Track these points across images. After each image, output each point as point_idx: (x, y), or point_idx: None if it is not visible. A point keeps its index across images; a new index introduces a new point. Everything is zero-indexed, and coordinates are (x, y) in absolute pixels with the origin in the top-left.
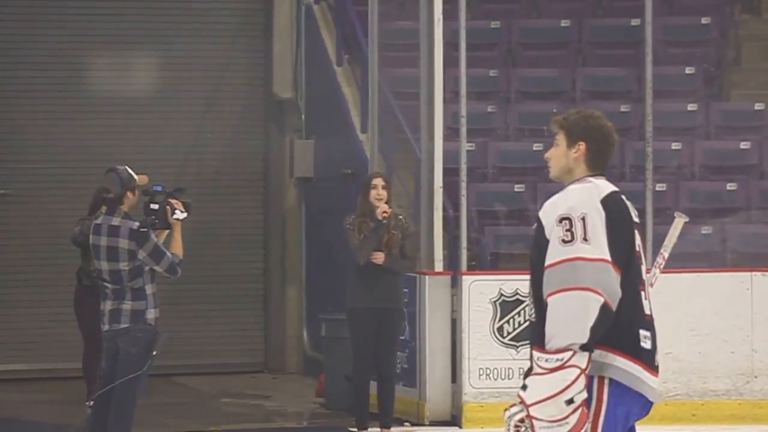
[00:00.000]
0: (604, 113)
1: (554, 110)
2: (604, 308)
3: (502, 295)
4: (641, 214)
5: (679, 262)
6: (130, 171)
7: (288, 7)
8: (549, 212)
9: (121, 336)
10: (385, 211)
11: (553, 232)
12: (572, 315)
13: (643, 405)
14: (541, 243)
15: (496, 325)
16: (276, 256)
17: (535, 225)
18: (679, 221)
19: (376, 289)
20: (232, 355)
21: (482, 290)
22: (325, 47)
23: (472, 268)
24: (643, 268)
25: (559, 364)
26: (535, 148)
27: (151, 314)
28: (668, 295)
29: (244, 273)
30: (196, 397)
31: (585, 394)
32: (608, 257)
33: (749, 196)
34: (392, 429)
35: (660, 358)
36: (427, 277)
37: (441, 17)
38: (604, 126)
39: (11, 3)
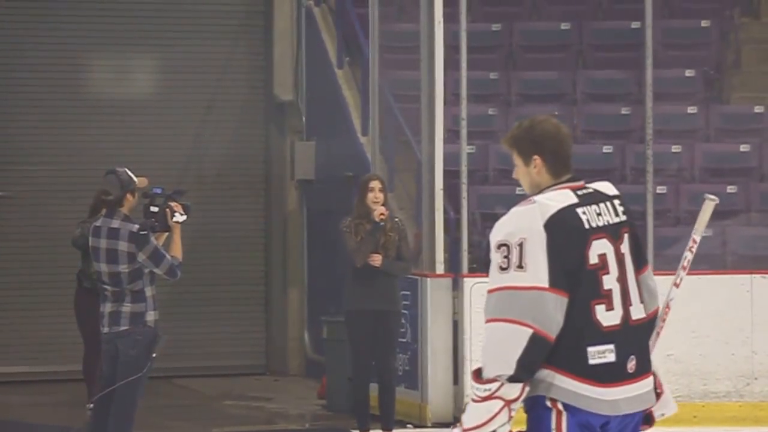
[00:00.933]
0: (605, 116)
1: (555, 112)
2: (535, 338)
3: None
4: (642, 216)
5: (679, 265)
6: (129, 173)
7: (288, 9)
8: (492, 235)
9: (121, 338)
10: (382, 213)
11: (493, 258)
12: (499, 347)
13: (609, 418)
14: (488, 264)
15: None
16: (277, 258)
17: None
18: (710, 204)
19: (373, 291)
20: (233, 357)
21: (484, 292)
22: (326, 49)
23: (474, 271)
24: (608, 277)
25: (487, 394)
26: None
27: (150, 316)
28: None
29: (245, 275)
30: (198, 399)
31: (507, 428)
32: (545, 284)
33: (749, 198)
34: (394, 431)
35: (657, 360)
36: (428, 279)
37: (442, 20)
38: (549, 131)
39: (10, 5)
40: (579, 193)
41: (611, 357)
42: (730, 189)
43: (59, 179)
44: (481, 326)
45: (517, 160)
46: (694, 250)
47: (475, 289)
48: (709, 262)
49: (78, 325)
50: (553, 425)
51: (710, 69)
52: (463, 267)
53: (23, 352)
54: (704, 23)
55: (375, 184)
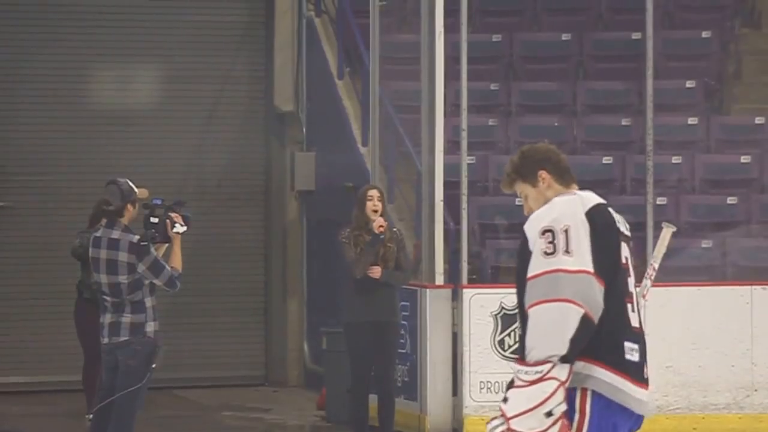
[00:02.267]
0: (605, 126)
1: (555, 123)
2: (585, 319)
3: (503, 308)
4: (642, 227)
5: (679, 276)
6: (130, 184)
7: (289, 20)
8: (533, 225)
9: (121, 349)
10: (381, 225)
11: (536, 244)
12: (552, 326)
13: (632, 418)
14: (525, 256)
15: (497, 339)
16: (277, 269)
17: (521, 238)
18: (668, 231)
19: (372, 302)
20: (232, 368)
21: (483, 303)
22: (327, 60)
23: (473, 282)
24: (631, 280)
25: (538, 376)
26: None
27: (150, 327)
28: (669, 308)
29: (244, 286)
30: (197, 410)
31: (564, 407)
32: (590, 269)
33: (749, 209)
34: None
35: (656, 371)
36: (428, 290)
37: (442, 31)
38: (542, 148)
39: (11, 15)
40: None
41: (636, 357)
42: (731, 200)
43: (59, 189)
44: (480, 338)
45: (525, 189)
46: (653, 278)
47: (475, 300)
48: (709, 273)
49: (78, 336)
50: (578, 406)
51: (711, 80)
52: (463, 278)
53: (23, 362)
54: (705, 34)
55: (373, 194)
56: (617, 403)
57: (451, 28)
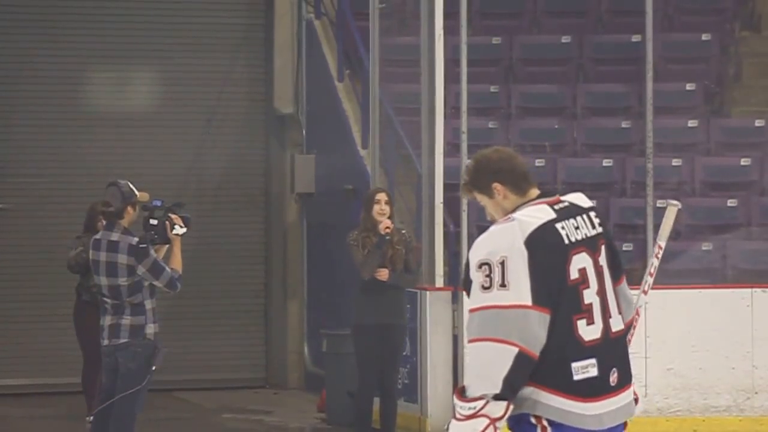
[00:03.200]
0: (605, 129)
1: (555, 126)
2: (520, 357)
3: None
4: (642, 230)
5: (679, 279)
6: (131, 186)
7: (289, 23)
8: (472, 254)
9: (121, 351)
10: (387, 226)
11: (474, 277)
12: (484, 366)
13: None
14: (467, 282)
15: None
16: (277, 271)
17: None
18: (672, 209)
19: (381, 304)
20: (233, 371)
21: None
22: (326, 62)
23: None
24: (589, 291)
25: (471, 412)
26: (536, 164)
27: (150, 329)
28: (669, 311)
29: (245, 288)
30: (197, 412)
31: None
32: (527, 302)
33: (750, 212)
34: None
35: (657, 374)
36: (428, 292)
37: (442, 33)
38: (492, 157)
39: (10, 17)
40: (556, 207)
41: (594, 371)
42: (731, 203)
43: (58, 192)
44: None
45: (482, 199)
46: (660, 256)
47: None
48: (709, 275)
49: (77, 338)
50: None
51: (711, 83)
52: None
53: (22, 364)
54: (705, 37)
55: (381, 197)
56: (571, 426)
57: (450, 30)
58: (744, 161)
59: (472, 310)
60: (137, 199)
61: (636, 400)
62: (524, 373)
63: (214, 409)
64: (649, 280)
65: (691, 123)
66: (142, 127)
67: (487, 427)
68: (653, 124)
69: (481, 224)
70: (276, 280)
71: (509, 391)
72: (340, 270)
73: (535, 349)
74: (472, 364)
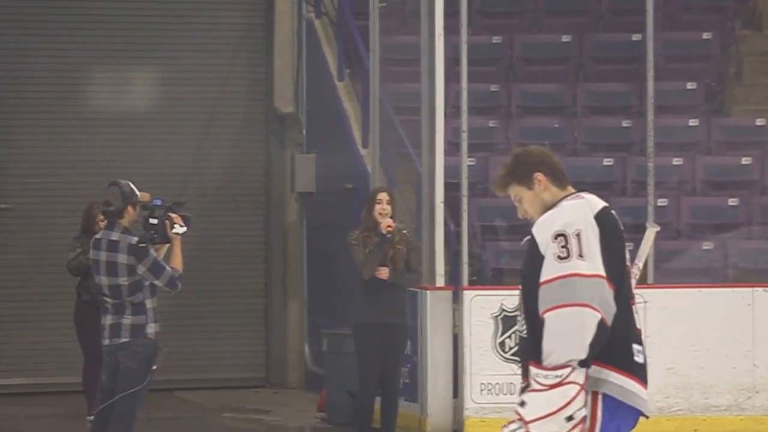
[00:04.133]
0: (606, 128)
1: (556, 125)
2: (601, 324)
3: (503, 310)
4: (643, 229)
5: (680, 278)
6: (132, 186)
7: (289, 22)
8: (544, 228)
9: (121, 350)
10: (389, 225)
11: (549, 248)
12: (570, 331)
13: (634, 418)
14: (534, 259)
15: (498, 340)
16: (277, 270)
17: (528, 240)
18: (651, 231)
19: (381, 304)
20: (233, 370)
21: (484, 305)
22: (327, 62)
23: (474, 283)
24: (633, 282)
25: (558, 380)
26: None
27: (151, 329)
28: (670, 310)
29: (245, 287)
30: (197, 411)
31: (584, 411)
32: (603, 273)
33: (750, 211)
34: None
35: (658, 373)
36: (428, 292)
37: (442, 32)
38: (536, 151)
39: (11, 17)
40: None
41: (641, 358)
42: (732, 202)
43: (59, 191)
44: (480, 339)
45: (520, 192)
46: (637, 277)
47: (475, 301)
48: (710, 275)
49: (78, 338)
50: (589, 409)
51: (711, 81)
52: (464, 280)
53: (23, 364)
54: (705, 36)
55: (383, 197)
56: (627, 406)
57: (451, 29)
58: (745, 160)
59: (547, 281)
60: (138, 199)
61: None
62: (602, 341)
63: (215, 409)
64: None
65: (692, 122)
66: (142, 126)
67: (578, 394)
68: (654, 123)
69: (482, 224)
70: (276, 280)
71: (591, 357)
72: (341, 269)
73: (611, 319)
74: (555, 331)
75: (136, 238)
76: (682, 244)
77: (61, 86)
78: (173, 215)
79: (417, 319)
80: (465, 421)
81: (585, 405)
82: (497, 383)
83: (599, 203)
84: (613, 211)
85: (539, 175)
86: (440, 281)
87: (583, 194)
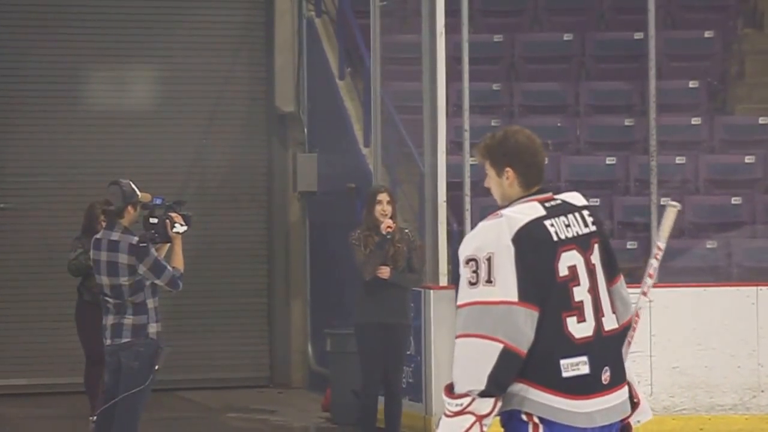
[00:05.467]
0: (608, 127)
1: (558, 124)
2: (505, 353)
3: None
4: (646, 228)
5: (684, 277)
6: (133, 186)
7: (290, 21)
8: (461, 250)
9: (123, 350)
10: (389, 226)
11: (462, 273)
12: (470, 362)
13: (590, 431)
14: (457, 278)
15: None
16: (280, 270)
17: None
18: (672, 210)
19: (383, 303)
20: (237, 370)
21: None
22: (327, 61)
23: None
24: (579, 288)
25: (458, 409)
26: None
27: (152, 328)
28: (674, 309)
29: (248, 287)
30: (201, 411)
31: None
32: (514, 298)
33: (754, 210)
34: None
35: (663, 372)
36: (432, 291)
37: (443, 31)
38: (523, 142)
39: (11, 16)
40: (547, 205)
41: (585, 369)
42: (735, 200)
43: (59, 191)
44: None
45: (490, 171)
46: (659, 257)
47: None
48: (714, 274)
49: (79, 338)
50: None
51: (714, 80)
52: None
53: (24, 364)
54: (708, 34)
55: (383, 197)
56: (561, 424)
57: (452, 28)
58: (748, 159)
59: (459, 306)
60: (138, 199)
61: (637, 404)
62: (510, 369)
63: (218, 409)
64: (649, 281)
65: (695, 120)
66: (143, 125)
67: (473, 425)
68: (656, 122)
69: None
70: (279, 279)
71: (495, 387)
72: (343, 268)
73: (522, 345)
74: (458, 361)
75: (136, 238)
76: (686, 243)
77: (61, 85)
78: (173, 214)
79: (420, 319)
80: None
81: None
82: None
83: (522, 219)
84: (546, 222)
85: (509, 171)
86: (443, 280)
87: (505, 210)
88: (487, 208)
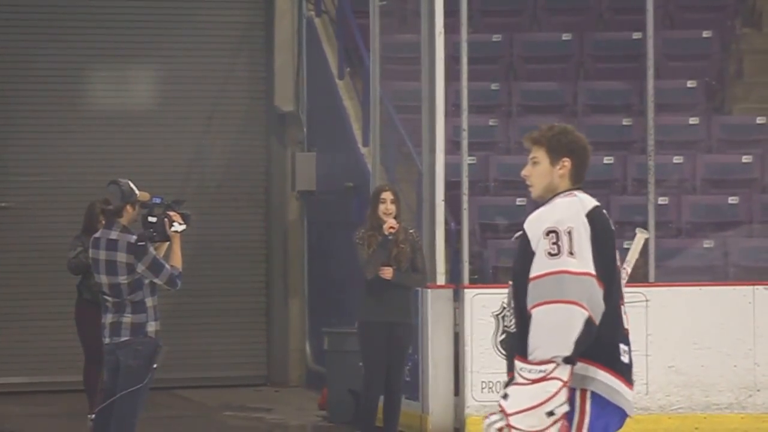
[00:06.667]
0: (606, 127)
1: (556, 123)
2: (589, 322)
3: (504, 308)
4: (643, 227)
5: (681, 276)
6: (131, 185)
7: (289, 21)
8: (535, 225)
9: (122, 349)
10: (391, 227)
11: (540, 245)
12: (557, 327)
13: (620, 417)
14: (525, 254)
15: (499, 339)
16: (278, 269)
17: (520, 236)
18: (641, 237)
19: (386, 303)
20: (234, 368)
21: (484, 303)
22: (327, 60)
23: (475, 282)
24: (623, 282)
25: (541, 375)
26: None
27: (151, 327)
28: (671, 308)
29: (246, 286)
30: (199, 410)
31: (566, 407)
32: (593, 272)
33: (751, 209)
34: None
35: (659, 371)
36: (429, 290)
37: (442, 31)
38: (582, 140)
39: (11, 16)
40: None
41: (627, 358)
42: (732, 200)
43: (60, 190)
44: (481, 338)
45: (543, 158)
46: (625, 281)
47: (476, 300)
48: (711, 273)
49: (78, 336)
50: (578, 406)
51: (712, 80)
52: (464, 278)
53: (24, 362)
54: (706, 34)
55: (387, 196)
56: (613, 404)
57: (451, 28)
58: (745, 158)
59: (537, 277)
60: (137, 198)
61: None
62: (589, 339)
63: (216, 407)
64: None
65: (692, 120)
66: (143, 125)
67: (559, 390)
68: (654, 122)
69: (483, 222)
70: (277, 278)
71: (577, 354)
72: (342, 267)
73: (598, 318)
74: (541, 326)
75: (135, 237)
76: (683, 243)
77: (61, 85)
78: (172, 213)
79: (418, 318)
80: (466, 419)
81: (567, 401)
82: (498, 381)
83: (591, 202)
84: (604, 211)
85: (567, 161)
86: (441, 280)
87: (576, 192)
88: (485, 207)
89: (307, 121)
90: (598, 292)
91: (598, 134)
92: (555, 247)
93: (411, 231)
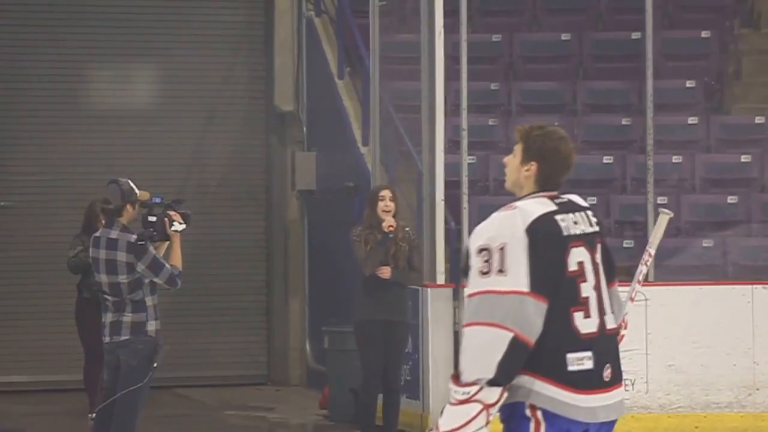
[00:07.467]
0: (605, 126)
1: (555, 123)
2: (515, 342)
3: None
4: (642, 226)
5: (680, 275)
6: (131, 184)
7: (289, 20)
8: (473, 240)
9: (122, 348)
10: (390, 225)
11: (473, 262)
12: (479, 350)
13: (580, 427)
14: (466, 269)
15: None
16: (278, 268)
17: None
18: (664, 218)
19: (382, 301)
20: (235, 367)
21: None
22: (327, 60)
23: None
24: (587, 285)
25: (465, 397)
26: None
27: (151, 326)
28: (670, 308)
29: (246, 285)
30: (199, 409)
31: (485, 431)
32: (524, 289)
33: (750, 209)
34: None
35: (658, 370)
36: (429, 289)
37: (442, 30)
38: (559, 148)
39: (11, 15)
40: (556, 201)
41: (589, 364)
42: (731, 199)
43: (60, 189)
44: None
45: (517, 153)
46: (649, 263)
47: None
48: (710, 272)
49: (79, 335)
50: (532, 424)
51: (711, 80)
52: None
53: (24, 361)
54: (704, 34)
55: (386, 194)
56: (564, 417)
57: (450, 27)
58: (744, 158)
59: (469, 295)
60: (137, 198)
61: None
62: (519, 359)
63: (216, 406)
64: (637, 287)
65: (691, 120)
66: (143, 124)
67: (479, 413)
68: (653, 121)
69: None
70: (277, 277)
71: (504, 376)
72: (342, 266)
73: (531, 335)
74: (466, 349)
75: (135, 236)
76: (682, 242)
77: (61, 84)
78: (172, 212)
79: (418, 317)
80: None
81: (486, 425)
82: None
83: (537, 211)
84: (557, 217)
85: (533, 166)
86: (441, 279)
87: (520, 202)
88: (484, 206)
89: (307, 121)
90: (529, 309)
91: (598, 134)
92: (486, 265)
93: (407, 228)
